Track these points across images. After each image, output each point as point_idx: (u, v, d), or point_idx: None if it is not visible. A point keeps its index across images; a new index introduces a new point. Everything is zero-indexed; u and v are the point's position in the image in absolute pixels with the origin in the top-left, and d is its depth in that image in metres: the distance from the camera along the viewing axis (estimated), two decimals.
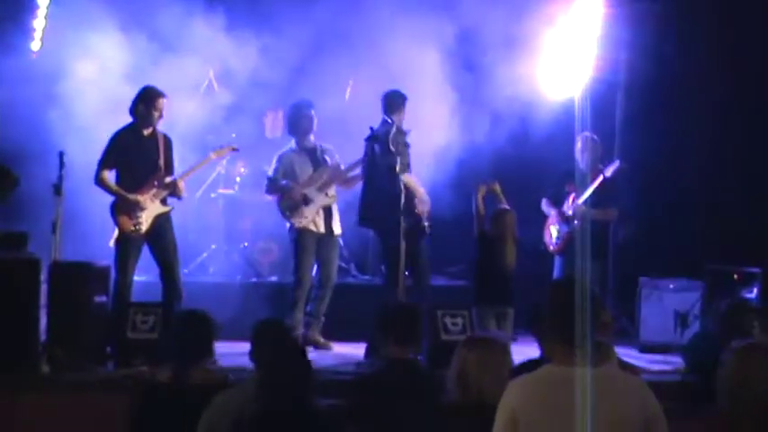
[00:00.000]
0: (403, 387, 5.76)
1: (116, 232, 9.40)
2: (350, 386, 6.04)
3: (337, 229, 10.30)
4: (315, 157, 10.28)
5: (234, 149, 10.42)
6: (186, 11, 11.05)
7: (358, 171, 10.19)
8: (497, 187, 9.80)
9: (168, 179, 9.55)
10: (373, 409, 5.36)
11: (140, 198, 9.39)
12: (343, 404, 5.81)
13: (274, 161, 10.35)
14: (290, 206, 10.19)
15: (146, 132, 9.51)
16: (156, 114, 9.46)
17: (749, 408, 4.67)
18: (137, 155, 9.47)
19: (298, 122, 10.29)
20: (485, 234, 9.54)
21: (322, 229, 10.16)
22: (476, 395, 4.98)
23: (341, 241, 11.79)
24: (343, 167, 10.29)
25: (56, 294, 8.50)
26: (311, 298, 10.15)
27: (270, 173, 10.36)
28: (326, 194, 10.21)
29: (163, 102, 9.47)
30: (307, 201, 10.13)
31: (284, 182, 10.23)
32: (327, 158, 10.30)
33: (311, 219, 10.14)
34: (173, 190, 9.58)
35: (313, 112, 10.29)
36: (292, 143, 10.38)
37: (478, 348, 5.09)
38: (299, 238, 10.18)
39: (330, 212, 10.23)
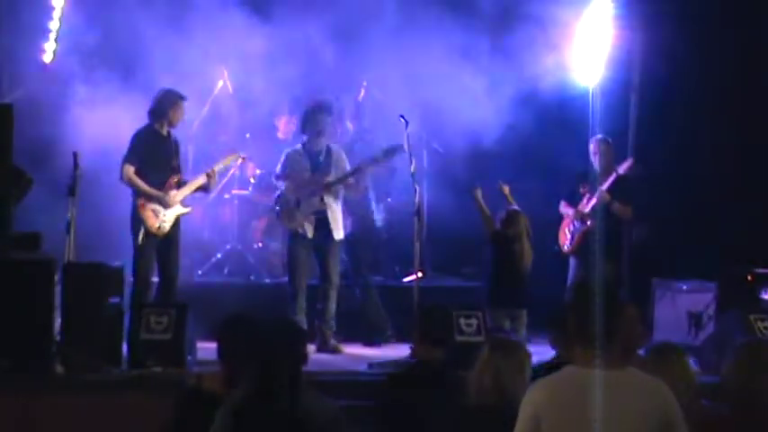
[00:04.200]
0: (428, 387, 5.79)
1: (143, 231, 9.43)
2: (380, 385, 6.05)
3: (337, 235, 10.07)
4: (316, 161, 10.11)
5: (243, 159, 10.69)
6: (201, 11, 11.07)
7: (353, 180, 10.13)
8: (507, 189, 9.77)
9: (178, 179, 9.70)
10: (402, 408, 5.36)
11: (169, 194, 9.51)
12: (373, 404, 5.83)
13: (282, 157, 10.33)
14: (283, 207, 10.15)
15: (164, 133, 9.62)
16: (180, 117, 9.63)
17: (753, 407, 4.66)
18: (157, 156, 9.59)
19: (310, 123, 10.14)
20: (499, 235, 9.51)
21: (310, 235, 10.00)
22: (498, 397, 4.97)
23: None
24: (344, 174, 10.10)
25: (70, 295, 8.50)
26: (317, 302, 10.13)
27: (277, 168, 10.36)
28: (320, 200, 10.00)
29: (185, 104, 9.65)
30: (298, 204, 10.06)
31: (283, 181, 10.20)
32: (332, 164, 10.11)
33: (300, 223, 10.04)
34: (207, 182, 9.72)
35: (331, 119, 10.16)
36: (300, 143, 10.30)
37: (503, 350, 5.09)
38: (291, 242, 10.18)
39: (325, 218, 10.03)
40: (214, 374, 5.58)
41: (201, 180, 9.75)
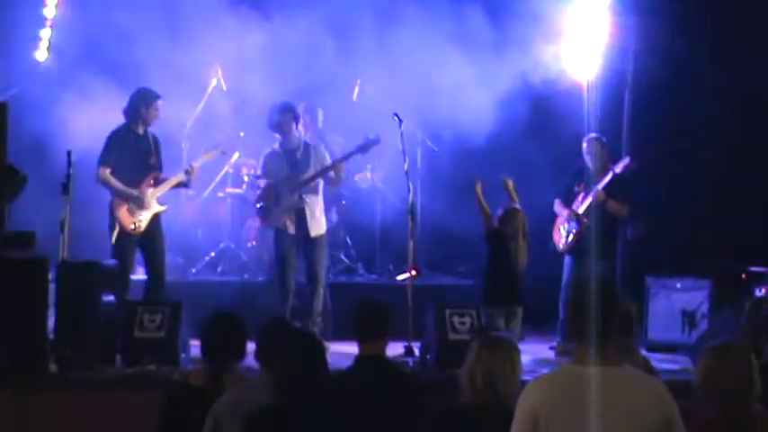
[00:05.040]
0: (373, 385, 5.79)
1: (116, 230, 9.48)
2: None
3: (315, 231, 10.04)
4: (293, 158, 10.10)
5: (221, 152, 10.71)
6: (195, 9, 11.06)
7: (333, 174, 10.11)
8: (510, 184, 9.68)
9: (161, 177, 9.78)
10: (344, 407, 5.35)
11: (146, 193, 9.56)
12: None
13: (261, 159, 10.36)
14: (263, 205, 10.16)
15: (140, 132, 9.68)
16: (154, 115, 9.70)
17: (722, 408, 4.66)
18: (134, 154, 9.66)
19: (278, 126, 10.11)
20: (495, 233, 9.49)
21: (292, 231, 10.01)
22: (489, 396, 4.97)
23: (349, 241, 11.86)
24: (322, 169, 10.09)
25: (64, 293, 8.51)
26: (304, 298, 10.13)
27: (258, 171, 10.37)
28: (299, 197, 10.01)
29: (160, 103, 9.71)
30: (278, 201, 10.06)
31: (263, 181, 10.22)
32: (310, 159, 10.09)
33: (280, 220, 10.04)
34: (187, 178, 9.79)
35: (293, 116, 10.09)
36: (277, 143, 10.28)
37: (492, 348, 5.08)
38: (275, 239, 10.18)
39: (303, 215, 10.03)
40: (198, 371, 5.74)
41: (180, 177, 9.82)
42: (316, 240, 10.07)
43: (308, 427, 4.83)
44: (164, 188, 9.75)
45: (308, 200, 10.04)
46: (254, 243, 11.93)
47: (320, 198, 10.19)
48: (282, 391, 4.87)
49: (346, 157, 10.22)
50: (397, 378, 6.02)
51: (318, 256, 10.08)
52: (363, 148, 10.18)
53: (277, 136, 10.16)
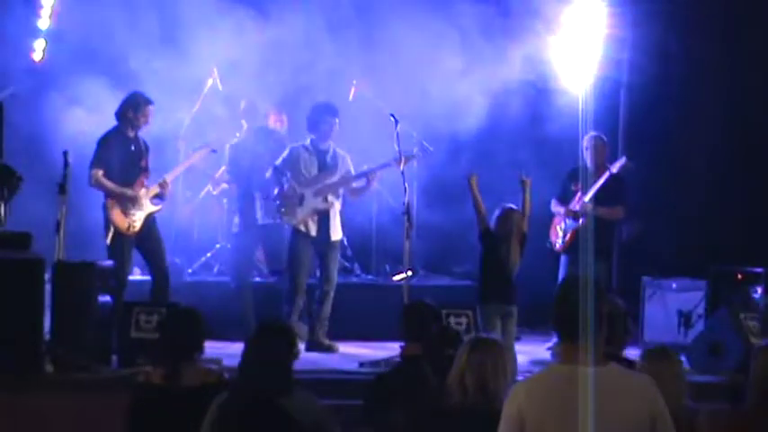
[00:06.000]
0: (408, 383, 5.80)
1: (111, 231, 9.49)
2: (366, 386, 6.10)
3: (335, 235, 10.17)
4: (323, 160, 10.16)
5: (211, 151, 10.64)
6: (192, 10, 11.05)
7: (363, 183, 10.18)
8: (528, 184, 9.55)
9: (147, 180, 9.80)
10: (389, 407, 5.38)
11: (140, 193, 9.59)
12: (362, 404, 5.93)
13: (285, 151, 10.32)
14: (285, 203, 10.15)
15: (130, 135, 9.72)
16: (143, 120, 9.73)
17: None
18: (125, 157, 9.69)
19: (317, 125, 10.16)
20: (487, 233, 9.47)
21: (313, 233, 10.05)
22: (478, 397, 4.97)
23: (345, 241, 11.84)
24: (351, 176, 10.19)
25: (60, 294, 8.51)
26: (314, 301, 10.15)
27: (278, 161, 10.34)
28: (324, 199, 10.07)
29: (150, 109, 9.72)
30: (301, 201, 10.09)
31: (286, 176, 10.19)
32: (338, 164, 10.16)
33: (301, 220, 10.07)
34: (161, 191, 9.81)
35: (337, 120, 10.13)
36: (308, 139, 10.30)
37: (481, 350, 5.08)
38: (292, 239, 10.18)
39: (326, 218, 10.10)
40: (159, 369, 5.76)
41: (155, 189, 9.81)
42: (334, 244, 10.17)
43: (263, 426, 4.91)
44: (152, 192, 9.77)
45: (333, 204, 10.11)
46: None
47: (340, 203, 10.27)
48: (240, 386, 4.96)
49: (382, 168, 10.20)
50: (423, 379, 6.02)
51: (335, 260, 10.22)
52: (398, 161, 10.13)
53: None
